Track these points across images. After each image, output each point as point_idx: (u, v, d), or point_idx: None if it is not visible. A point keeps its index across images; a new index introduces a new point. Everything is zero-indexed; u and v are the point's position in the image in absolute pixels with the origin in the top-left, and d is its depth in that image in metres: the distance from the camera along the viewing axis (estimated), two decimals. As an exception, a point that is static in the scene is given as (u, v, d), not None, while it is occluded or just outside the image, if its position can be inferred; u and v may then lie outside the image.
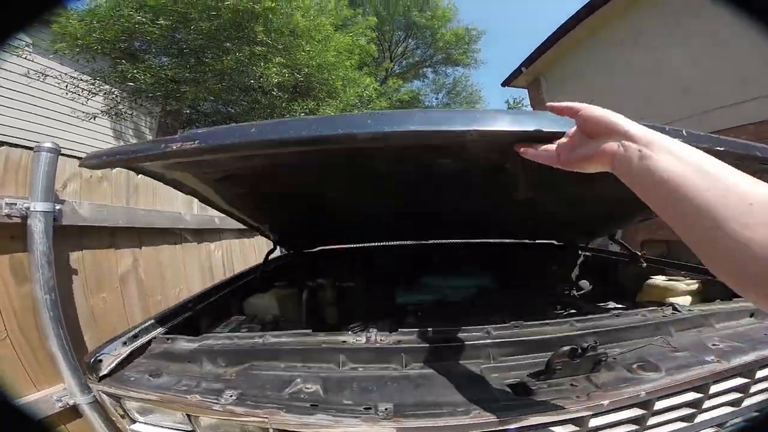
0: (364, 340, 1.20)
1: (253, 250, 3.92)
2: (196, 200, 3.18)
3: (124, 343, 1.32)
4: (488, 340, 1.17)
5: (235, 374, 1.14)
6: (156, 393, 1.09)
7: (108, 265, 2.16)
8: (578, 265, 2.77)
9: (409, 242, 3.02)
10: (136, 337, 1.38)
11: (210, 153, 1.02)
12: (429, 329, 1.24)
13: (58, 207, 1.79)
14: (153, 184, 2.58)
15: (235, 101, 8.95)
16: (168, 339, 1.38)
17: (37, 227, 1.67)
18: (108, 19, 6.61)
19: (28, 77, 6.71)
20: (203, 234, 3.08)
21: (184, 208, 2.87)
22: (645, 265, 2.30)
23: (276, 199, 1.90)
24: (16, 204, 1.63)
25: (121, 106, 8.17)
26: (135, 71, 7.00)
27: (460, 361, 1.13)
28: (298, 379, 1.07)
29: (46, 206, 1.70)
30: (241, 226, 3.81)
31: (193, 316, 1.68)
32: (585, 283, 2.52)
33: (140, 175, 2.47)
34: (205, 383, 1.11)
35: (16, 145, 1.95)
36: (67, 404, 1.66)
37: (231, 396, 1.01)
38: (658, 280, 2.13)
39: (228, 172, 1.44)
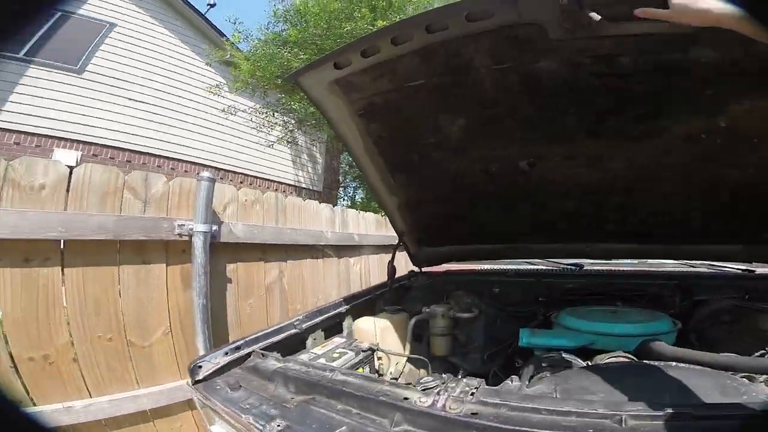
0: (430, 402, 0.94)
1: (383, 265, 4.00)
2: (337, 219, 3.49)
3: (226, 353, 1.43)
4: None
5: (297, 404, 1.09)
6: (220, 405, 1.13)
7: (257, 275, 2.47)
8: None
9: (550, 267, 2.43)
10: (238, 348, 1.47)
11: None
12: (526, 404, 0.87)
13: (215, 227, 2.13)
14: (300, 205, 2.89)
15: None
16: (263, 355, 1.42)
17: (198, 244, 2.02)
18: (263, 57, 7.36)
19: (225, 112, 7.91)
20: (343, 250, 3.26)
21: (326, 227, 3.10)
22: None
23: (417, 161, 1.80)
24: (184, 225, 2.02)
25: (295, 134, 9.14)
26: (291, 102, 7.76)
27: None
28: (344, 428, 0.95)
29: (204, 227, 2.05)
30: (380, 242, 3.97)
31: (299, 333, 1.70)
32: None
33: (288, 197, 2.89)
34: (266, 406, 1.09)
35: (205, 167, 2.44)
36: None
37: (277, 426, 0.97)
38: None
39: (371, 99, 1.52)
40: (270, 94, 8.24)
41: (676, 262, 2.15)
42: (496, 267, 2.59)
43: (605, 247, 2.05)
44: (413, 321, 1.91)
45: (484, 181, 1.87)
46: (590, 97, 1.31)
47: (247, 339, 1.53)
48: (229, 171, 8.42)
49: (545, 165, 1.69)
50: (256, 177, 9.09)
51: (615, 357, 1.37)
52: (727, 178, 1.48)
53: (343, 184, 13.36)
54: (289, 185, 9.82)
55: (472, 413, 0.87)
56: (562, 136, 1.51)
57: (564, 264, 2.39)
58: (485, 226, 2.18)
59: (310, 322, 1.78)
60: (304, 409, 1.06)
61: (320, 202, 3.16)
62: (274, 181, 9.45)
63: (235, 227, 2.31)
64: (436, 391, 0.98)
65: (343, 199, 15.57)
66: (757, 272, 1.95)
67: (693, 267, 2.13)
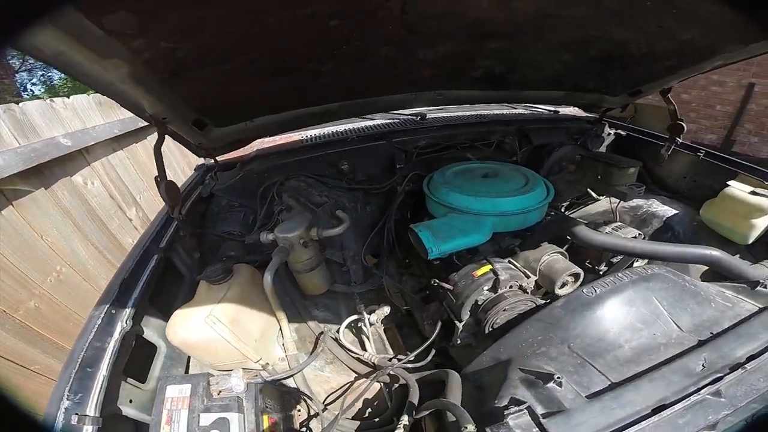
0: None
1: (151, 158, 2.43)
2: (4, 125, 1.55)
3: None
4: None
5: None
6: None
7: None
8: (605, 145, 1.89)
9: (390, 120, 1.87)
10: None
11: None
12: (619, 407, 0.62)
13: None
14: None
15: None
16: None
17: None
18: None
19: None
20: (47, 170, 1.57)
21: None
22: (702, 155, 1.65)
23: None
24: None
25: None
26: None
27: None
28: None
29: None
30: (122, 130, 2.22)
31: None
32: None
33: None
34: None
35: None
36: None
37: None
38: (739, 189, 1.42)
39: None
40: None
41: (500, 105, 1.98)
42: (326, 131, 1.81)
43: (457, 95, 1.59)
44: (269, 277, 1.10)
45: (331, 14, 0.91)
46: None
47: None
48: None
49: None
50: None
51: (551, 253, 1.11)
52: (612, 36, 1.21)
53: (24, 68, 8.72)
54: None
55: None
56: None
57: (405, 114, 1.86)
58: (316, 81, 1.27)
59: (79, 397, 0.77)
60: None
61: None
62: None
63: None
64: None
65: (33, 88, 9.52)
66: (560, 113, 2.02)
67: (514, 108, 2.02)
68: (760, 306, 0.87)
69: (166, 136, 1.13)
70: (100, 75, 0.79)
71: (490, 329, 1.01)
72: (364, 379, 1.23)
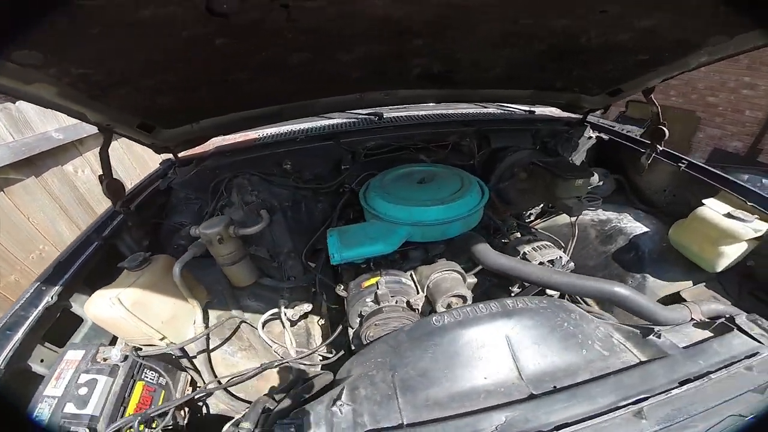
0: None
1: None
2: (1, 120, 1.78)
3: None
4: None
5: None
6: None
7: None
8: (585, 149, 1.68)
9: (347, 120, 1.82)
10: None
11: None
12: None
13: None
14: None
15: None
16: None
17: None
18: None
19: None
20: (39, 161, 1.76)
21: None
22: (683, 167, 1.42)
23: None
24: None
25: None
26: None
27: None
28: None
29: None
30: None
31: None
32: (593, 178, 1.53)
33: None
34: None
35: None
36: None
37: None
38: (713, 210, 1.19)
39: None
40: None
41: (468, 104, 1.83)
42: (282, 130, 1.83)
43: (405, 94, 1.51)
44: (177, 269, 1.15)
45: (211, 34, 0.90)
46: None
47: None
48: None
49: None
50: None
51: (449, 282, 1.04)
52: (552, 28, 1.06)
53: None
54: None
55: None
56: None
57: (362, 114, 1.81)
58: (244, 89, 1.27)
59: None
60: None
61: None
62: None
63: None
64: None
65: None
66: (536, 113, 1.82)
67: (485, 107, 1.86)
68: (642, 359, 0.75)
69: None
70: (36, 95, 0.88)
71: (366, 341, 0.98)
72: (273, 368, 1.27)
